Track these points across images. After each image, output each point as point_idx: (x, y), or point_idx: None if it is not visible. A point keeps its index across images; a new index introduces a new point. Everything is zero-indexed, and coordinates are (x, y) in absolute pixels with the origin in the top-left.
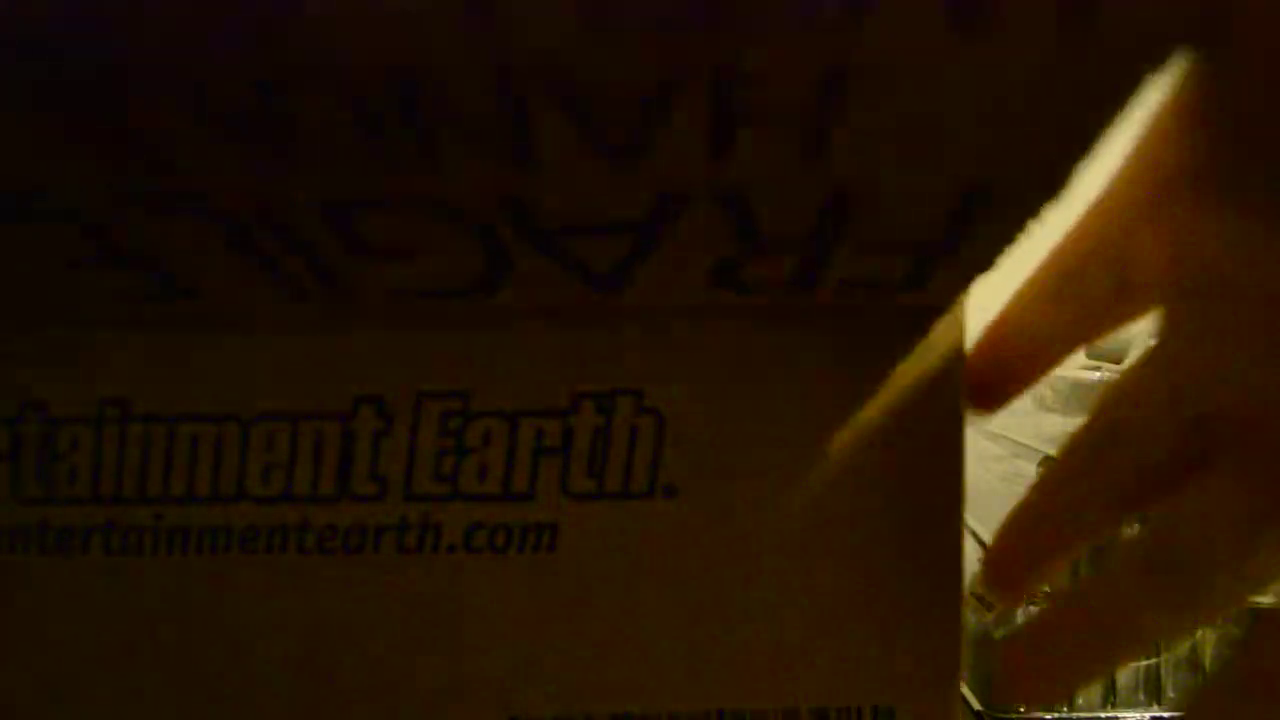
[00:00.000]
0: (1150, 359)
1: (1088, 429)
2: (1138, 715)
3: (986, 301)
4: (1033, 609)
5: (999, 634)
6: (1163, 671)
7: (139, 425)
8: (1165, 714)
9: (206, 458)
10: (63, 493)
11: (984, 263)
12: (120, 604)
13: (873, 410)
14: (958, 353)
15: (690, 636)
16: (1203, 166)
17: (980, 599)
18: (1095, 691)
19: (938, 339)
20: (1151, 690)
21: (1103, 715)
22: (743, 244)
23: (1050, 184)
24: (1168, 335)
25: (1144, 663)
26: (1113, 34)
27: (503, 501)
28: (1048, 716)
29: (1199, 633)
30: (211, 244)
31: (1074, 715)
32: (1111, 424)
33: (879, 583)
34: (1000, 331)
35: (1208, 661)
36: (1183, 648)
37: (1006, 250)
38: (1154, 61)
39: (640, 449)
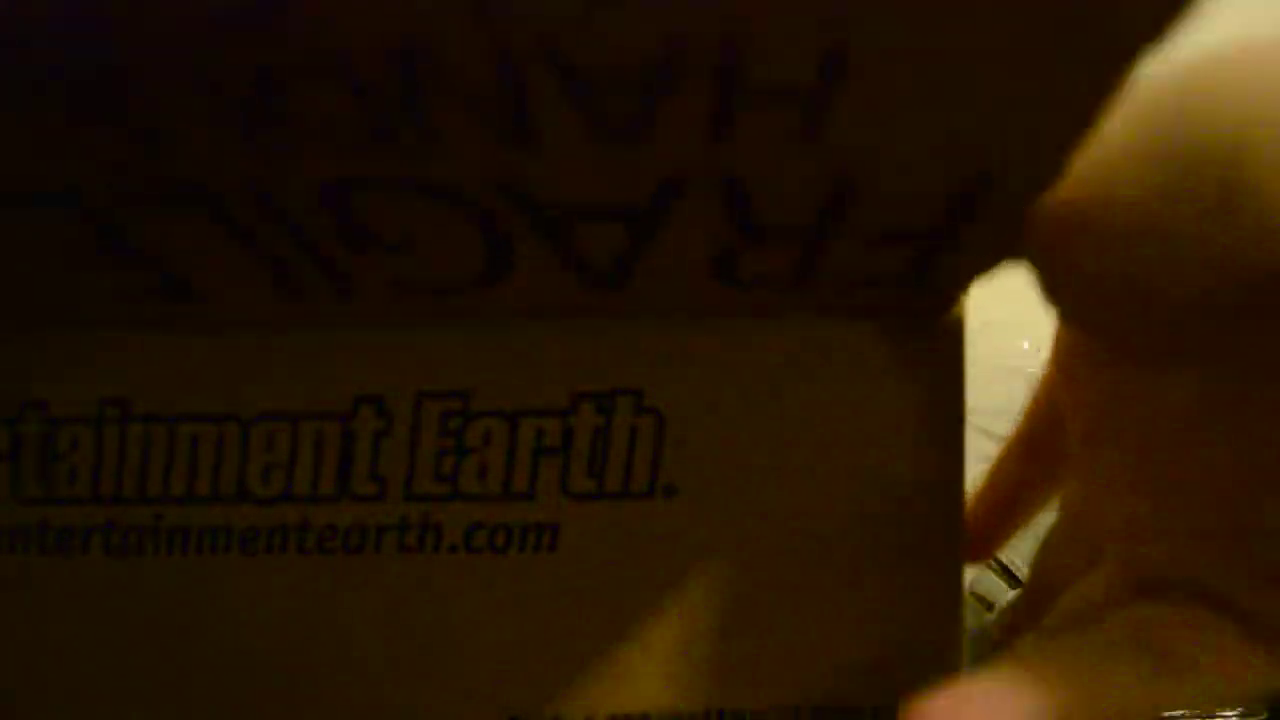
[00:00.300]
0: (1065, 504)
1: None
2: None
3: (985, 302)
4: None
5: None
6: None
7: (139, 425)
8: (1165, 714)
9: (207, 458)
10: (63, 493)
11: (983, 259)
12: (120, 604)
13: (873, 410)
14: (958, 353)
15: (690, 636)
16: (1081, 335)
17: (980, 599)
18: None
19: (938, 339)
20: None
21: None
22: (742, 234)
23: (1049, 167)
24: (1077, 480)
25: None
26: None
27: (503, 501)
28: None
29: None
30: (212, 236)
31: None
32: (1040, 575)
33: (879, 582)
34: (990, 485)
35: None
36: None
37: (1005, 244)
38: (1150, 38)
39: (640, 449)
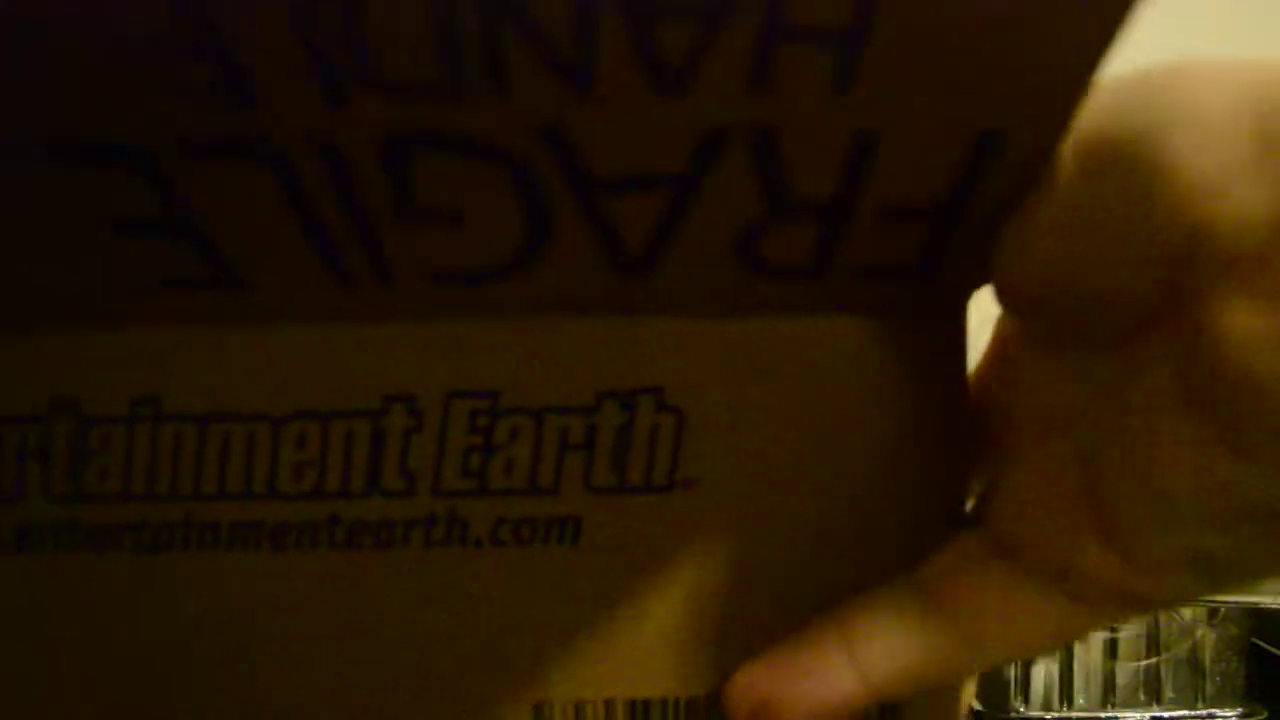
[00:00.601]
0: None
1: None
2: (1138, 715)
3: (983, 299)
4: None
5: None
6: (1163, 671)
7: (170, 424)
8: (1165, 714)
9: (238, 456)
10: (93, 490)
11: (984, 237)
12: (150, 600)
13: (882, 408)
14: (961, 353)
15: (704, 623)
16: (1013, 323)
17: None
18: (1095, 691)
19: (943, 339)
20: (1151, 690)
21: (1103, 715)
22: (768, 207)
23: (1051, 128)
24: (1003, 469)
25: (1143, 663)
26: None
27: (528, 496)
28: (1048, 716)
29: (1198, 632)
30: (270, 204)
31: (1074, 715)
32: None
33: (883, 576)
34: None
35: (1208, 661)
36: (1183, 647)
37: (1006, 219)
38: None
39: (660, 444)
